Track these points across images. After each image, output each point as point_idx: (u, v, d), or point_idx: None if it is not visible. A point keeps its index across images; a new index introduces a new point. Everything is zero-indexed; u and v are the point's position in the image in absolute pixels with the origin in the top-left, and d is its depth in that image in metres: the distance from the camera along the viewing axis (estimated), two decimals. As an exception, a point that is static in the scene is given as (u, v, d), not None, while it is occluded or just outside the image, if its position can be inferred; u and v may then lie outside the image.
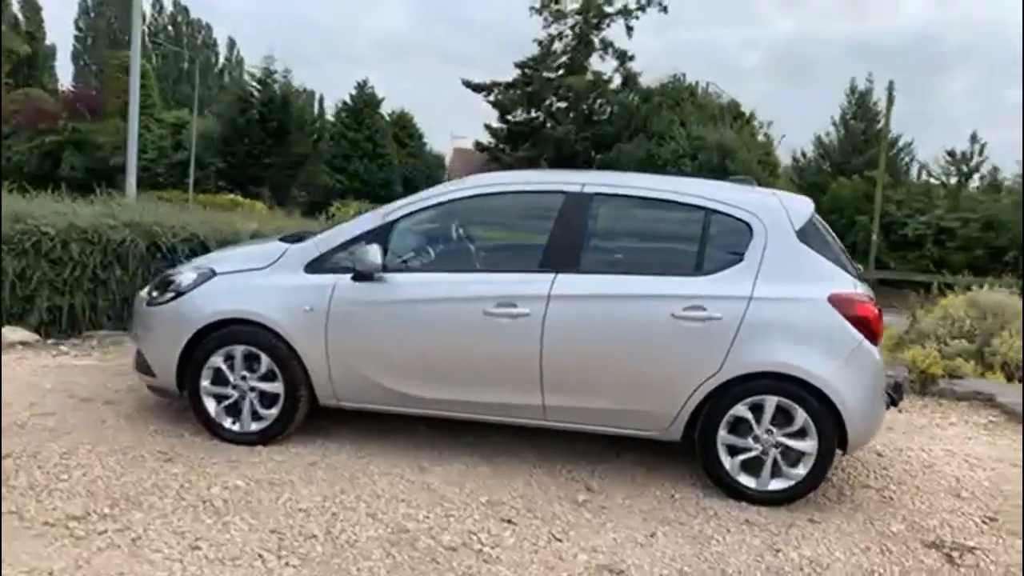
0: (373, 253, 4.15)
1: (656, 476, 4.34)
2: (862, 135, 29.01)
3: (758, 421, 4.03)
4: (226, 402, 4.41)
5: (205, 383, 4.42)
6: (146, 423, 4.61)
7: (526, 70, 35.26)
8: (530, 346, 4.12)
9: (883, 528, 3.94)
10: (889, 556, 3.66)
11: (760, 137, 30.12)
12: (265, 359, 4.34)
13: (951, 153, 26.73)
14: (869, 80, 29.28)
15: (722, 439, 4.07)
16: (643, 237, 4.40)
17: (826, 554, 3.62)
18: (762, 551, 3.61)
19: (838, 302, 3.99)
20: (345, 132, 37.57)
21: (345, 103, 38.57)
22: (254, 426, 4.40)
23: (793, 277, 4.05)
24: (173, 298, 4.49)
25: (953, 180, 26.87)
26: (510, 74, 35.03)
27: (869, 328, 4.01)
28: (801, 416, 3.99)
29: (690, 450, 4.26)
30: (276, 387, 4.36)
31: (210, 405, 4.42)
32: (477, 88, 35.56)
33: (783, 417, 4.02)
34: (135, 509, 3.54)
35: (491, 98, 35.09)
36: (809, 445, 4.00)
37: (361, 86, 38.49)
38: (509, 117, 35.18)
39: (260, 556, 3.22)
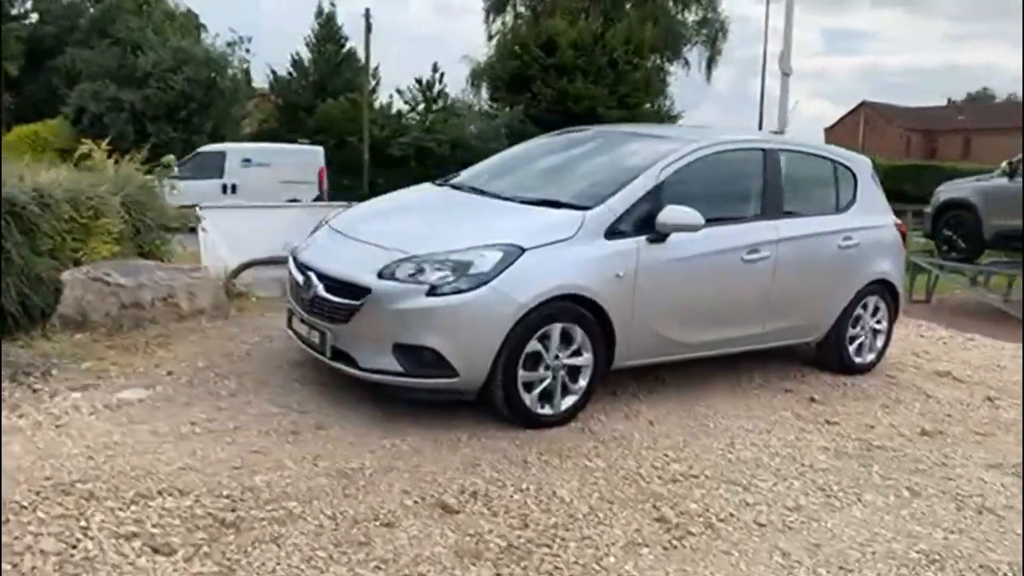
0: (692, 214, 4.32)
1: (788, 373, 5.55)
2: (337, 57, 30.58)
3: (864, 315, 5.62)
4: (540, 387, 4.08)
5: (521, 371, 3.99)
6: (440, 438, 3.89)
7: None
8: (767, 283, 4.92)
9: (912, 375, 5.96)
10: (938, 386, 5.69)
11: (241, 54, 29.12)
12: (579, 333, 4.14)
13: (419, 80, 30.37)
14: (332, 4, 30.78)
15: (849, 334, 5.55)
16: (804, 185, 5.41)
17: (927, 388, 5.47)
18: (920, 395, 5.30)
19: (897, 225, 5.80)
20: None
21: None
22: (563, 404, 4.19)
23: (878, 210, 5.69)
24: (479, 284, 3.84)
25: (421, 105, 30.67)
26: None
27: (904, 242, 5.92)
28: (883, 307, 5.71)
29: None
30: (584, 359, 4.21)
31: (523, 394, 4.03)
32: None
33: (874, 310, 5.68)
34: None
35: None
36: (884, 326, 5.78)
37: None
38: None
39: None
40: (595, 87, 27.67)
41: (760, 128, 33.01)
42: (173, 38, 26.32)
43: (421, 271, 3.90)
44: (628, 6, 33.37)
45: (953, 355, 6.72)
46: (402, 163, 28.20)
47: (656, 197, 4.44)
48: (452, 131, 28.41)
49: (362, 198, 5.20)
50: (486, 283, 3.85)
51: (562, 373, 4.15)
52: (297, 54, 30.82)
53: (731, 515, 3.34)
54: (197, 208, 8.83)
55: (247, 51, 28.02)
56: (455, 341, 3.85)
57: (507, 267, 3.91)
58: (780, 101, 12.20)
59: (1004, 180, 10.19)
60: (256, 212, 9.94)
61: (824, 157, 5.51)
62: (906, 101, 68.90)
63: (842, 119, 57.57)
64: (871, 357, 5.74)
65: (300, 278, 4.30)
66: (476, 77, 33.79)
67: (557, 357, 4.11)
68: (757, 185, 5.00)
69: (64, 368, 4.47)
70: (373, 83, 30.65)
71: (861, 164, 5.71)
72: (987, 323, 8.72)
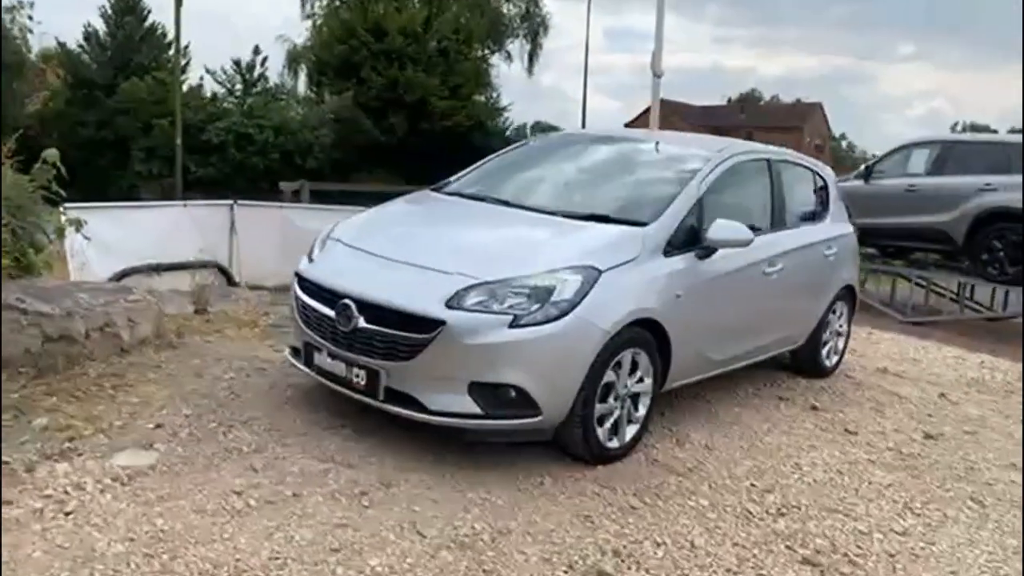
0: (742, 228, 4.17)
1: (772, 380, 5.61)
2: (139, 31, 27.53)
3: (833, 319, 5.81)
4: (611, 419, 3.77)
5: (597, 404, 3.66)
6: (522, 485, 3.47)
7: None
8: (779, 294, 4.92)
9: (863, 374, 6.27)
10: (892, 384, 6.04)
11: (22, 21, 25.32)
12: (644, 358, 3.88)
13: (237, 63, 28.11)
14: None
15: (823, 338, 5.71)
16: (796, 195, 5.40)
17: (887, 387, 5.77)
18: (889, 395, 5.56)
19: (854, 232, 6.03)
20: None
21: None
22: (627, 435, 3.92)
23: (843, 218, 5.88)
24: (564, 312, 3.46)
25: (240, 88, 28.40)
26: None
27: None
28: (846, 311, 5.94)
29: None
30: (645, 386, 3.96)
31: (598, 428, 3.71)
32: None
33: (839, 314, 5.89)
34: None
35: None
36: (846, 329, 6.02)
37: None
38: None
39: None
40: (427, 75, 27.14)
41: (583, 127, 34.09)
42: (-64, -1, 22.54)
43: (494, 298, 3.45)
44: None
45: (872, 350, 7.19)
46: (220, 149, 26.11)
47: (698, 211, 4.26)
48: (275, 116, 26.69)
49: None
50: (570, 311, 3.48)
51: (628, 403, 3.87)
52: (90, 25, 27.60)
53: (859, 548, 3.25)
54: (61, 208, 7.54)
55: (30, 18, 24.58)
56: (541, 377, 3.44)
57: (588, 292, 3.55)
58: (652, 103, 12.68)
59: (860, 182, 11.11)
60: (129, 212, 8.64)
61: (805, 167, 5.61)
62: (681, 99, 73.97)
63: (640, 115, 60.93)
64: (835, 359, 5.96)
65: (327, 308, 3.66)
66: (294, 60, 32.05)
67: (626, 386, 3.82)
68: (766, 196, 4.98)
69: (13, 429, 3.51)
70: (184, 62, 28.05)
71: (831, 173, 5.88)
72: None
